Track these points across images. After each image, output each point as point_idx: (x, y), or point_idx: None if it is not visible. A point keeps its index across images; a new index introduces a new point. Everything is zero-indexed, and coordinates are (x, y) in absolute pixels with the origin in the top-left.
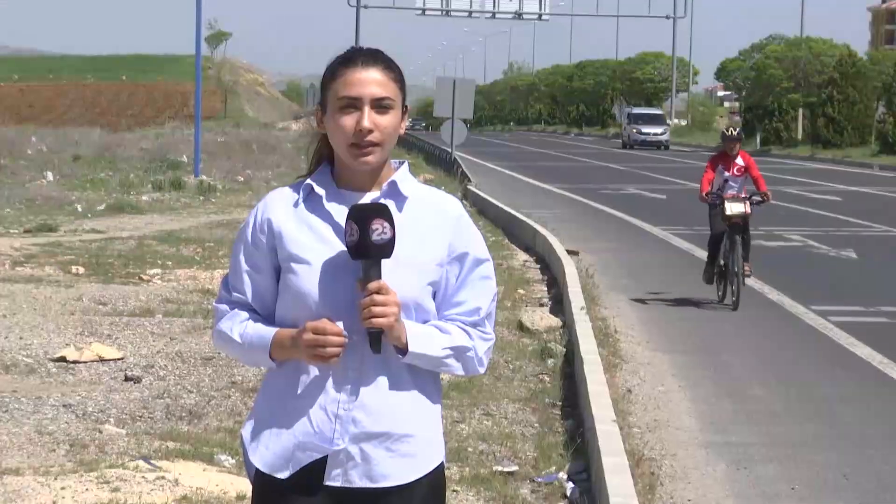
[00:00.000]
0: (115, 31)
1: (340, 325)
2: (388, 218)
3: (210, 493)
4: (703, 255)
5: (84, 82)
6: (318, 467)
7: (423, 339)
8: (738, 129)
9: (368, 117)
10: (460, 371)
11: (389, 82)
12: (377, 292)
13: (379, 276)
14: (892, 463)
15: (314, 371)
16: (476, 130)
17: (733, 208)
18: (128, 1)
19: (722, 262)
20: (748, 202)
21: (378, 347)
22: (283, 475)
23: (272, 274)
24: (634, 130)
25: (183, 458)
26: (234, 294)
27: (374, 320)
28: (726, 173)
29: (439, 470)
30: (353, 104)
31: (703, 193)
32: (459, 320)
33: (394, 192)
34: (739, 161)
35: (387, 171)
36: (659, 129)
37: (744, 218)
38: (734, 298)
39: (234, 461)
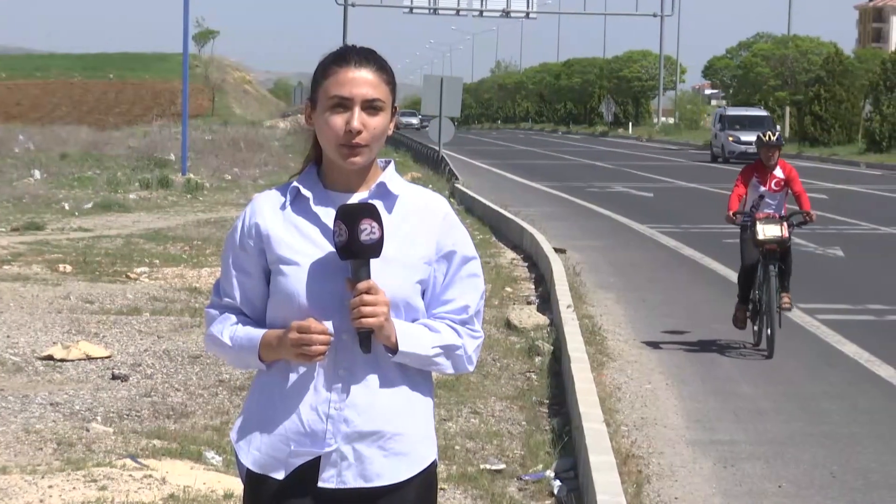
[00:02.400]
0: (103, 29)
1: (329, 324)
2: (377, 218)
3: (197, 491)
4: (690, 252)
5: (71, 80)
6: (311, 469)
7: (413, 338)
8: (777, 134)
9: (358, 118)
10: (450, 370)
11: (381, 83)
12: (366, 292)
13: (368, 276)
14: (879, 461)
15: (305, 371)
16: (463, 129)
17: (767, 231)
18: None
19: (755, 297)
20: (785, 224)
21: (368, 347)
22: (276, 476)
23: (262, 277)
24: (731, 139)
25: (170, 457)
26: (225, 298)
27: (363, 320)
28: (762, 188)
29: (432, 468)
30: (344, 104)
31: (731, 213)
32: (448, 318)
33: (383, 192)
34: (778, 172)
35: (374, 171)
36: None
37: (780, 243)
38: (768, 343)
39: (221, 459)
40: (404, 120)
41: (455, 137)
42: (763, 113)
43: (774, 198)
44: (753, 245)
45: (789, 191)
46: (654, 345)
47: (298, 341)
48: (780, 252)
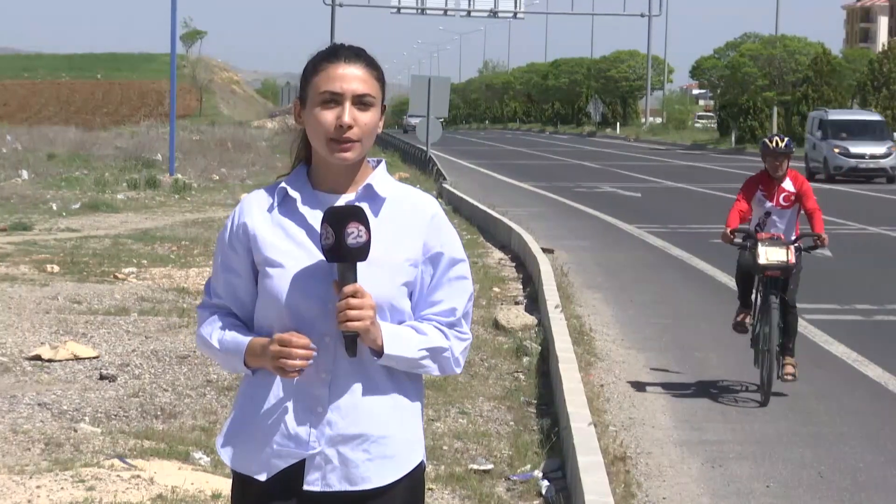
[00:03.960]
0: (91, 29)
1: (313, 327)
2: (364, 221)
3: (185, 491)
4: (677, 252)
5: (59, 80)
6: (296, 472)
7: (399, 341)
8: (786, 140)
9: (349, 113)
10: (436, 371)
11: (371, 79)
12: (352, 295)
13: (355, 280)
14: (867, 461)
15: None
16: (451, 129)
17: (770, 255)
18: None
19: (756, 331)
20: (791, 247)
21: (353, 351)
22: (259, 478)
23: (250, 277)
24: (836, 150)
25: (158, 457)
26: (216, 298)
27: (349, 324)
28: (768, 203)
29: (419, 469)
30: (335, 99)
31: (728, 231)
32: (436, 320)
33: (369, 194)
34: (788, 185)
35: (363, 171)
36: (881, 148)
37: (785, 269)
38: (765, 387)
39: (209, 459)
40: (413, 121)
41: (443, 137)
42: (875, 117)
43: (783, 215)
44: (753, 270)
45: (801, 207)
46: (642, 345)
47: (278, 354)
48: (782, 280)
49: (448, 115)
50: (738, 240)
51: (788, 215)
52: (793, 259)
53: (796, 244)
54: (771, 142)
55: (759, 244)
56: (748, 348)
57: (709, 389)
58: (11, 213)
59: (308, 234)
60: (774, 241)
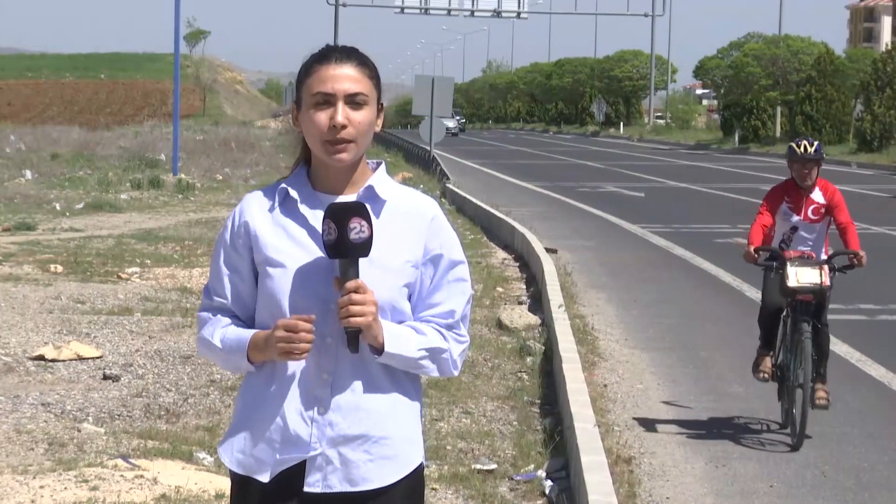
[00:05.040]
0: (95, 29)
1: (320, 327)
2: (366, 216)
3: (189, 491)
4: (681, 252)
5: (63, 80)
6: (297, 473)
7: (400, 340)
8: (815, 145)
9: (342, 112)
10: (434, 372)
11: (364, 78)
12: (355, 291)
13: (357, 276)
14: (870, 461)
15: (289, 375)
16: None
17: (801, 276)
18: None
19: (782, 364)
20: (825, 267)
21: (356, 346)
22: (260, 479)
23: (251, 277)
24: None
25: (162, 457)
26: (216, 299)
27: (351, 319)
28: (795, 217)
29: (419, 471)
30: (328, 100)
31: (751, 249)
32: (434, 322)
33: (370, 196)
34: (817, 196)
35: (363, 172)
36: None
37: (818, 293)
38: (797, 429)
39: (212, 459)
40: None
41: (446, 137)
42: None
43: (812, 230)
44: (781, 293)
45: (831, 220)
46: (646, 345)
47: (286, 339)
48: (813, 305)
49: (455, 114)
50: (763, 260)
51: (818, 229)
52: (827, 280)
53: (830, 263)
54: (798, 147)
55: (788, 264)
56: (750, 348)
57: (713, 388)
58: (15, 213)
59: (309, 234)
60: (805, 260)
